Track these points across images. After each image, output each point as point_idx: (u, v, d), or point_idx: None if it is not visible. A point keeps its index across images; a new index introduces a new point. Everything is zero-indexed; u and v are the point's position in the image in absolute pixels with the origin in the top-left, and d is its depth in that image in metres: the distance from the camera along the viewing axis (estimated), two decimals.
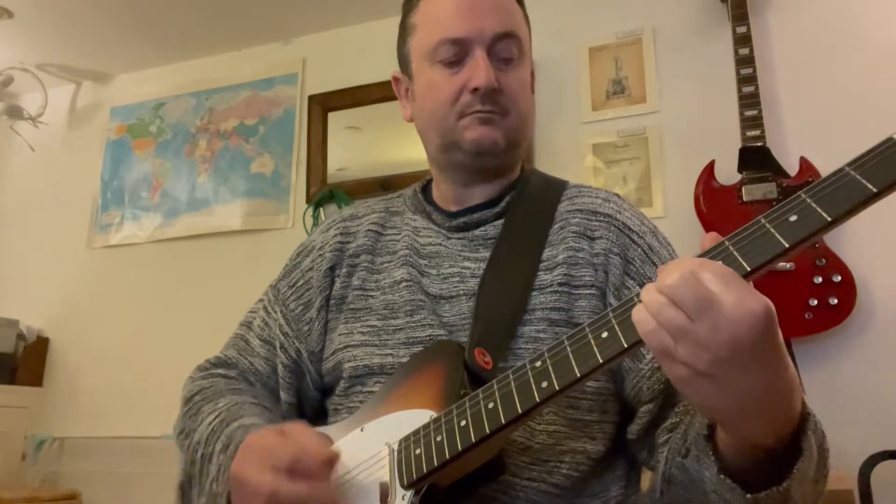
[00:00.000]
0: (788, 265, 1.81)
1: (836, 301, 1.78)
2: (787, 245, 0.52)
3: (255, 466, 0.69)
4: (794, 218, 0.52)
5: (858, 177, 0.51)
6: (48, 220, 3.06)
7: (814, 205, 0.52)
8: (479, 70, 0.84)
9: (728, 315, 0.50)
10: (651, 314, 0.53)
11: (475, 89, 0.84)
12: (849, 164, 0.52)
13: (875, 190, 0.50)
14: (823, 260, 1.80)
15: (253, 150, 2.78)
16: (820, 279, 1.79)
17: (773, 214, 0.53)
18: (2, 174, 3.24)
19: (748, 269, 0.53)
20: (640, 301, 0.55)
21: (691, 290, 0.51)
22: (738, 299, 0.50)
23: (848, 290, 1.79)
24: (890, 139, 0.51)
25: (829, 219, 0.51)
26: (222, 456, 0.76)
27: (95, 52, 2.97)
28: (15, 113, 3.00)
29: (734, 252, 0.54)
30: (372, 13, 2.66)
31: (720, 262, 0.53)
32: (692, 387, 0.54)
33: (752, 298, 0.51)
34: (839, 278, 1.79)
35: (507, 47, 0.87)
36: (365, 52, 2.66)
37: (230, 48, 2.93)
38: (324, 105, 2.71)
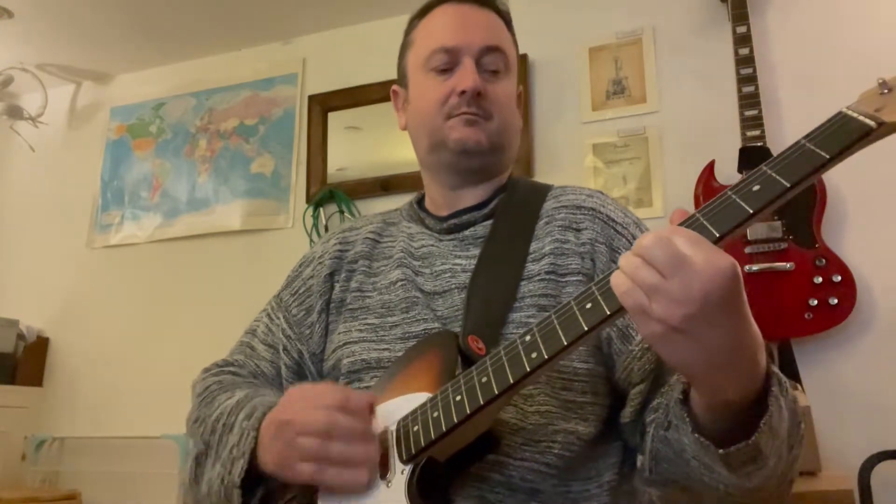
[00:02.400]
0: (788, 265, 1.81)
1: (836, 301, 1.78)
2: (751, 211, 0.57)
3: (302, 408, 0.72)
4: (756, 188, 0.58)
5: (812, 147, 0.57)
6: (48, 220, 3.06)
7: (774, 174, 0.57)
8: (466, 75, 0.92)
9: (699, 272, 0.54)
10: (627, 275, 0.57)
11: (462, 92, 0.91)
12: (804, 137, 0.58)
13: (827, 157, 0.56)
14: (823, 260, 1.80)
15: (253, 150, 2.78)
16: (820, 279, 1.79)
17: (739, 186, 0.59)
18: (2, 174, 3.24)
19: (717, 235, 0.57)
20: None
21: (664, 250, 0.55)
22: (708, 258, 0.54)
23: (848, 290, 1.79)
24: (839, 113, 0.58)
25: (788, 185, 0.56)
26: (245, 423, 0.78)
27: (95, 52, 2.97)
28: (15, 113, 3.00)
29: (704, 221, 0.59)
30: (372, 13, 2.66)
31: (689, 229, 0.57)
32: (666, 343, 0.58)
33: (720, 257, 0.55)
34: (839, 278, 1.79)
35: (494, 60, 0.95)
36: (365, 52, 2.66)
37: (230, 48, 2.93)
38: (324, 105, 2.71)
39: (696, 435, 0.63)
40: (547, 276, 0.85)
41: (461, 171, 0.96)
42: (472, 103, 0.91)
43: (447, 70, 0.94)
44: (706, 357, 0.57)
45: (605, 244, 0.87)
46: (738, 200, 0.58)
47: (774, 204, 0.57)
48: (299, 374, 0.96)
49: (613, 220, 0.89)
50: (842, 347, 1.87)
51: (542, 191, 0.98)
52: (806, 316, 1.80)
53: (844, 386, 1.85)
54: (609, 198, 0.95)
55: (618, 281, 0.58)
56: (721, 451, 0.61)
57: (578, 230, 0.89)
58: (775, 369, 0.64)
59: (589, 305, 0.62)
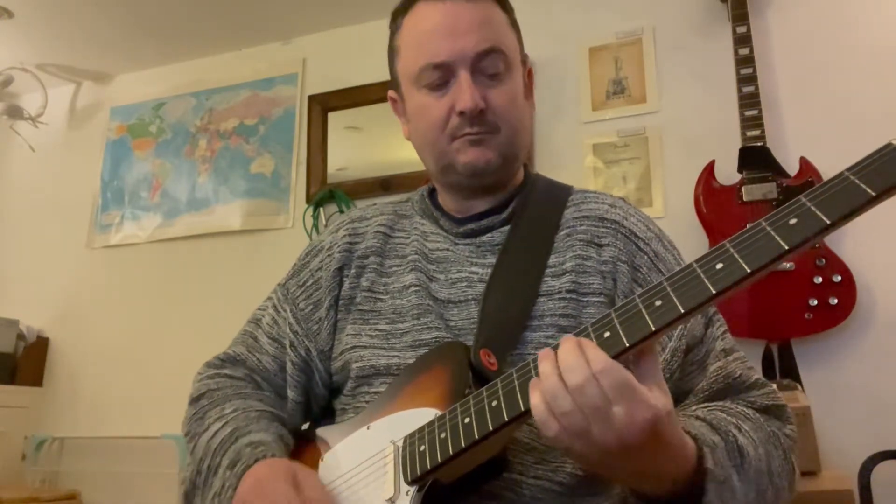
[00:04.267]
0: (788, 265, 1.81)
1: (836, 301, 1.78)
2: (786, 247, 0.53)
3: None
4: (793, 221, 0.54)
5: (857, 181, 0.52)
6: (48, 220, 3.06)
7: (813, 208, 0.53)
8: (463, 93, 0.85)
9: (618, 424, 0.58)
10: (550, 409, 0.60)
11: (462, 112, 0.85)
12: (848, 169, 0.53)
13: (873, 194, 0.51)
14: (823, 260, 1.80)
15: (253, 150, 2.78)
16: (820, 279, 1.79)
17: (774, 217, 0.55)
18: (2, 174, 3.24)
19: (748, 270, 0.54)
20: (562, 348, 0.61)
21: (586, 398, 0.58)
22: (629, 411, 0.57)
23: (848, 290, 1.79)
24: (889, 145, 0.52)
25: (828, 222, 0.52)
26: (228, 472, 0.77)
27: (95, 52, 2.97)
28: (15, 113, 3.00)
29: (734, 254, 0.55)
30: (372, 13, 2.66)
31: (622, 369, 0.58)
32: (570, 456, 0.65)
33: (642, 411, 0.58)
34: (839, 278, 1.79)
35: (491, 63, 0.87)
36: (365, 52, 2.66)
37: (230, 48, 2.93)
38: (324, 105, 2.71)
39: (633, 499, 0.69)
40: (568, 296, 0.82)
41: (474, 189, 0.92)
42: (475, 122, 0.85)
43: (441, 85, 0.87)
44: (611, 475, 0.67)
45: (626, 263, 0.85)
46: (772, 233, 0.54)
47: (812, 241, 0.53)
48: (306, 372, 0.93)
49: (636, 235, 0.87)
50: (842, 347, 1.87)
51: (562, 195, 0.93)
52: (806, 316, 1.80)
53: (844, 386, 1.85)
54: (632, 207, 0.92)
55: (537, 407, 0.60)
56: None
57: (600, 245, 0.86)
58: (710, 466, 0.66)
59: (607, 335, 0.60)
